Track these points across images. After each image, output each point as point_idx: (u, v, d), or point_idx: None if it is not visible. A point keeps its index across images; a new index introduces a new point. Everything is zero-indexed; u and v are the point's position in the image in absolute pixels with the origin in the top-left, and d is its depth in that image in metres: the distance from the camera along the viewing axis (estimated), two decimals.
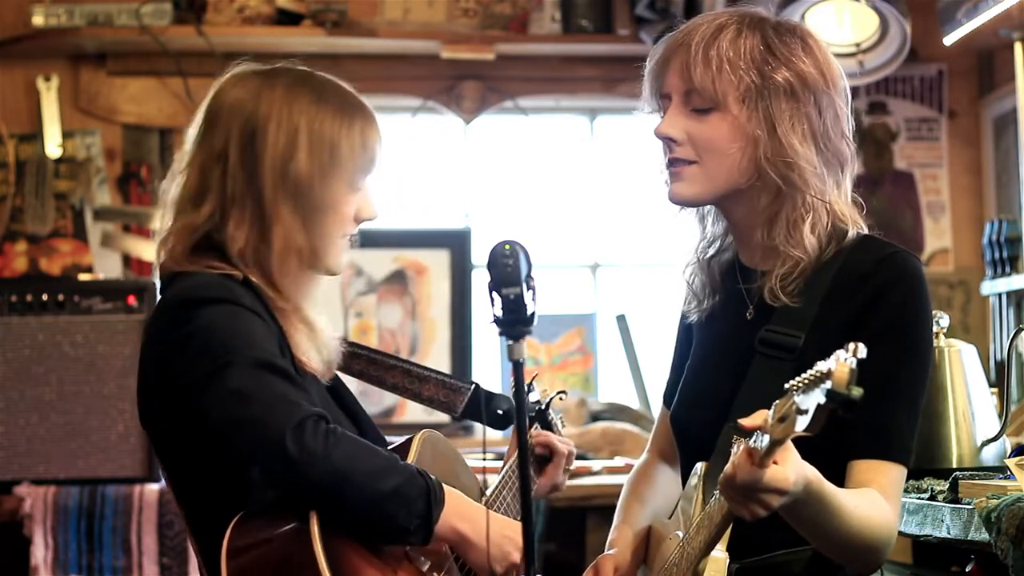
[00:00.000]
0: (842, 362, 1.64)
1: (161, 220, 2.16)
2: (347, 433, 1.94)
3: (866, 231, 2.15)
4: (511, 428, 2.44)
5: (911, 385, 2.07)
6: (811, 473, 1.84)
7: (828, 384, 1.64)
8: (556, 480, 2.40)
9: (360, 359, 2.40)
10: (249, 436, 1.89)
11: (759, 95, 2.08)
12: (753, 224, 2.15)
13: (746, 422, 1.79)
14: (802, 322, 2.07)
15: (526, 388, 2.43)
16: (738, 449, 1.82)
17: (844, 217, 2.11)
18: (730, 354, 2.16)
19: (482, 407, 2.38)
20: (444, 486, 2.00)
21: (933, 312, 2.14)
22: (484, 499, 2.23)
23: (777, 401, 1.73)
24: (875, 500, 1.99)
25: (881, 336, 2.03)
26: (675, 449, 2.32)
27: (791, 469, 1.79)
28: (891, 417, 2.04)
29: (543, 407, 2.47)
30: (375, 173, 2.18)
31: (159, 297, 2.12)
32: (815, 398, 1.66)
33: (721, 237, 2.25)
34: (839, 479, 2.02)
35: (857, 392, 1.64)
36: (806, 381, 1.68)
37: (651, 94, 2.22)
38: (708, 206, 2.22)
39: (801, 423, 1.68)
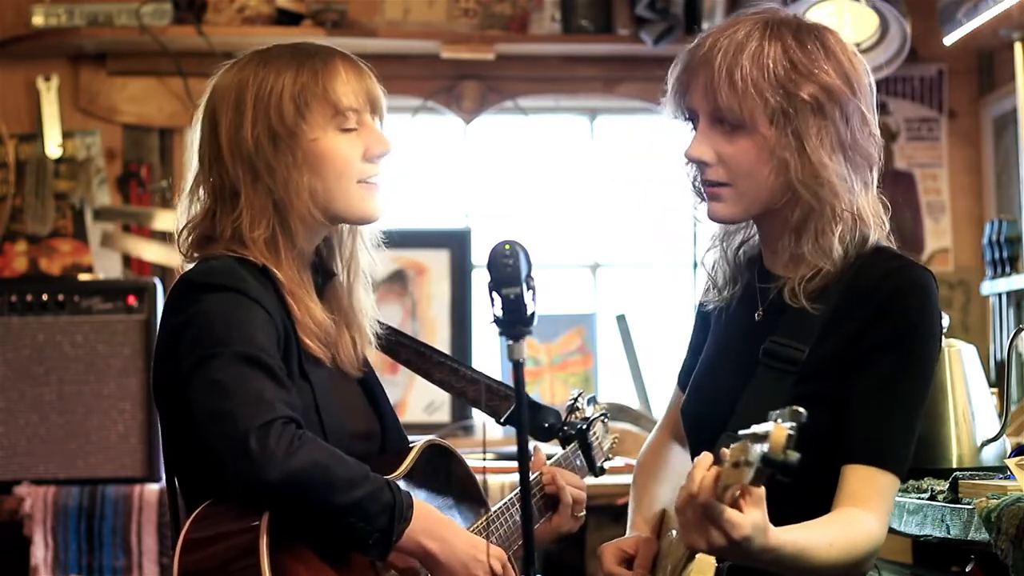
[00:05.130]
0: (780, 425, 1.63)
1: (179, 215, 2.20)
2: (316, 440, 1.93)
3: (886, 228, 2.15)
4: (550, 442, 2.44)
5: (909, 397, 2.06)
6: (774, 540, 1.82)
7: (764, 448, 1.63)
8: (561, 529, 2.34)
9: (408, 349, 2.41)
10: (219, 430, 1.90)
11: (786, 115, 2.06)
12: (781, 232, 2.15)
13: (726, 453, 1.76)
14: (807, 334, 2.07)
15: (581, 404, 2.43)
16: (696, 462, 1.80)
17: (868, 219, 2.11)
18: (736, 356, 2.16)
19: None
20: (418, 502, 1.99)
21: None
22: (485, 517, 2.21)
23: (735, 445, 1.72)
24: (854, 522, 1.99)
25: (882, 345, 2.04)
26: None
27: (749, 522, 1.77)
28: (887, 426, 2.04)
29: (585, 427, 2.43)
30: (367, 109, 2.15)
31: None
32: (757, 457, 1.65)
33: (745, 228, 2.25)
34: (833, 482, 2.03)
35: (794, 457, 1.62)
36: (756, 435, 1.66)
37: (675, 105, 2.17)
38: None
39: (747, 475, 1.67)
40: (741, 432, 1.70)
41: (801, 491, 1.98)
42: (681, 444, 2.41)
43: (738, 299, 2.23)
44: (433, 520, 2.01)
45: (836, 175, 2.07)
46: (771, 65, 2.07)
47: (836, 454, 2.04)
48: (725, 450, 1.76)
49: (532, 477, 2.30)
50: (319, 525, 1.92)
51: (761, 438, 1.64)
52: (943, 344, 2.74)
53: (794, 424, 1.63)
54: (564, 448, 2.42)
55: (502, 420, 2.38)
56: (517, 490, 2.28)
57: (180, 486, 2.13)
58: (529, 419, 2.34)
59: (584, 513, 2.37)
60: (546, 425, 2.39)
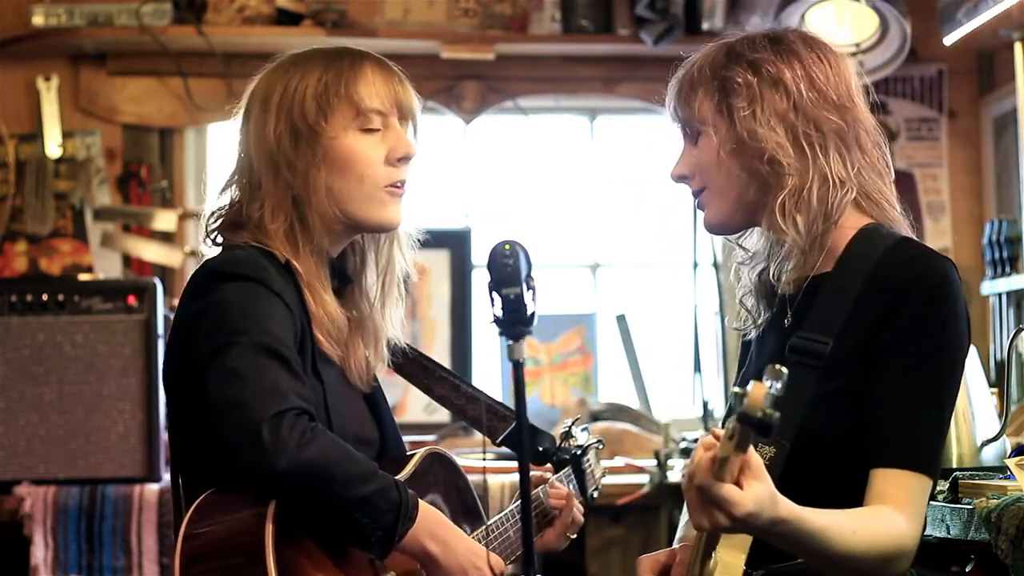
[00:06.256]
0: (758, 383, 1.62)
1: (206, 204, 2.23)
2: (328, 433, 1.94)
3: (894, 208, 2.15)
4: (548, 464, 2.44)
5: (934, 392, 2.02)
6: (785, 511, 1.81)
7: (743, 406, 1.62)
8: (550, 546, 2.36)
9: (412, 362, 2.40)
10: (231, 417, 1.90)
11: (722, 101, 2.11)
12: (765, 224, 2.15)
13: (720, 432, 1.76)
14: (830, 327, 2.05)
15: (575, 431, 2.43)
16: (698, 443, 1.80)
17: (831, 183, 2.09)
18: (768, 362, 2.15)
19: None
20: (423, 504, 1.99)
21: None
22: (484, 528, 2.22)
23: (731, 418, 1.71)
24: (882, 518, 1.95)
25: (902, 340, 2.01)
26: None
27: (751, 497, 1.74)
28: (912, 425, 2.00)
29: (580, 452, 2.43)
30: (393, 113, 2.16)
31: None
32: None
33: (765, 251, 2.24)
34: (862, 485, 2.00)
35: (773, 416, 1.60)
36: (738, 397, 1.65)
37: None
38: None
39: (735, 441, 1.67)
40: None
41: (831, 490, 1.98)
42: None
43: (772, 317, 2.22)
44: (436, 523, 2.01)
45: (771, 143, 2.08)
46: (709, 63, 2.13)
47: (864, 453, 2.01)
48: (718, 429, 1.76)
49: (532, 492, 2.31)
50: (325, 518, 1.93)
51: (740, 398, 1.63)
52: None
53: (774, 383, 1.62)
54: (556, 473, 2.43)
55: (498, 441, 2.38)
56: (515, 504, 2.29)
57: (184, 477, 2.12)
58: (527, 443, 2.34)
59: (575, 535, 2.39)
60: (541, 449, 2.38)
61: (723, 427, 2.22)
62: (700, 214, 2.20)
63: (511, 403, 2.46)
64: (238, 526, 1.91)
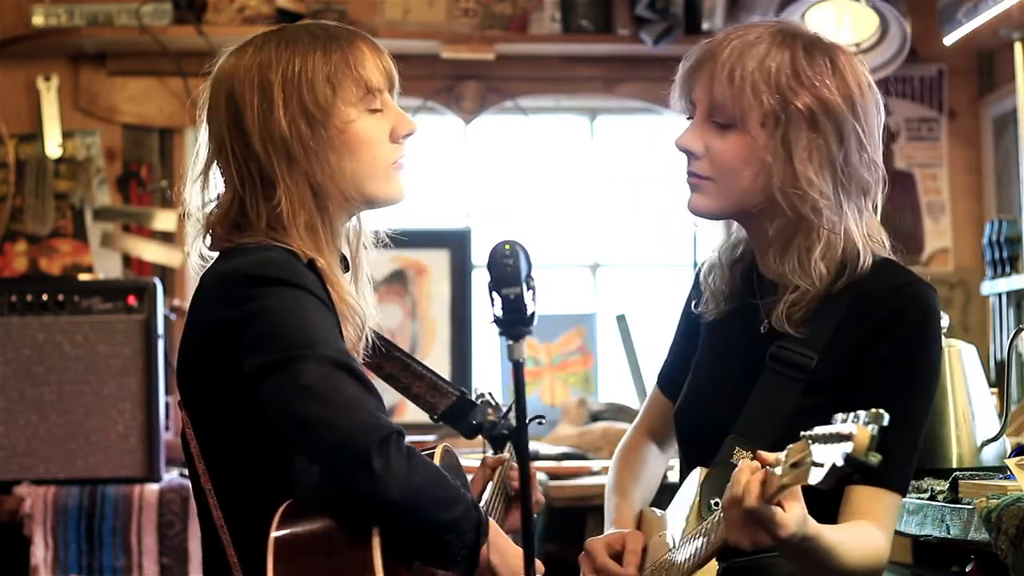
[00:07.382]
0: (863, 427, 1.64)
1: (197, 211, 2.13)
2: (424, 457, 1.91)
3: (886, 253, 2.14)
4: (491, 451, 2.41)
5: (913, 416, 2.07)
6: (812, 529, 1.86)
7: (848, 448, 1.64)
8: (516, 525, 2.32)
9: (372, 345, 2.38)
10: (324, 438, 1.83)
11: (778, 121, 2.06)
12: (767, 245, 2.14)
13: (768, 457, 1.80)
14: (816, 342, 2.07)
15: (494, 402, 2.40)
16: (740, 466, 1.83)
17: (857, 243, 2.09)
18: (741, 365, 2.15)
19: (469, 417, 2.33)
20: (489, 518, 1.98)
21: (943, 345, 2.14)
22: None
23: (792, 445, 1.74)
24: (868, 534, 2.01)
25: (887, 364, 2.05)
26: (664, 428, 2.35)
27: (793, 519, 1.80)
28: (892, 448, 2.01)
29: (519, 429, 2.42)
30: (387, 88, 2.11)
31: (207, 271, 2.06)
32: (832, 456, 1.66)
33: (744, 241, 2.24)
34: (835, 500, 2.04)
35: (875, 458, 1.64)
36: (825, 435, 1.68)
37: (680, 96, 2.17)
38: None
39: (815, 476, 1.69)
40: (804, 433, 1.72)
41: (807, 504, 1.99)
42: (659, 445, 2.41)
43: (736, 313, 2.22)
44: (498, 535, 1.99)
45: (820, 193, 2.06)
46: (772, 69, 2.06)
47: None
48: (765, 454, 1.80)
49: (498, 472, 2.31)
50: (419, 540, 1.90)
51: (842, 438, 1.65)
52: (943, 344, 2.75)
53: (876, 426, 1.65)
54: (494, 448, 2.36)
55: (436, 417, 2.34)
56: (486, 491, 2.28)
57: (219, 486, 2.02)
58: (460, 415, 2.32)
59: (538, 514, 2.37)
60: (473, 423, 2.35)
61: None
62: (687, 193, 2.15)
63: (511, 403, 2.46)
64: (341, 541, 1.87)
